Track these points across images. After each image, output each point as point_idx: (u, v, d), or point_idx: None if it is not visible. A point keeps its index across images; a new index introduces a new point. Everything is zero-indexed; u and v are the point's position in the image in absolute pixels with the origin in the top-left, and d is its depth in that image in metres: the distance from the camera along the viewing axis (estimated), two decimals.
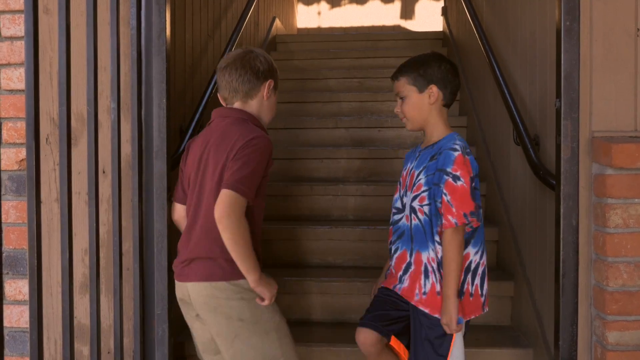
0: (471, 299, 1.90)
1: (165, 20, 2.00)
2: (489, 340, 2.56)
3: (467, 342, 2.00)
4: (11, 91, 2.06)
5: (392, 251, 2.05)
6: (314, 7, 8.39)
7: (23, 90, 2.04)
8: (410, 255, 1.97)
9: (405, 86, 1.98)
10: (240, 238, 1.77)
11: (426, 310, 1.91)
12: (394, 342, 2.08)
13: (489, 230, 3.05)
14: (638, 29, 1.92)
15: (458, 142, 1.89)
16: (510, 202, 2.92)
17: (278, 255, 3.15)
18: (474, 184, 1.86)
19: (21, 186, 2.05)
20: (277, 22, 5.58)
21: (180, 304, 2.02)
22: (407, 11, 8.34)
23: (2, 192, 2.06)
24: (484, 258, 1.94)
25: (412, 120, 1.99)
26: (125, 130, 2.02)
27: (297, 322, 2.78)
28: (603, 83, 1.92)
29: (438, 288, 1.89)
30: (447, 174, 1.83)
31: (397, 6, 8.27)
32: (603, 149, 1.87)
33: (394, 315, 2.04)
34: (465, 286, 1.90)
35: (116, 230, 1.98)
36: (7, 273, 2.07)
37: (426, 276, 1.93)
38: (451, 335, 1.90)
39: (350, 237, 3.12)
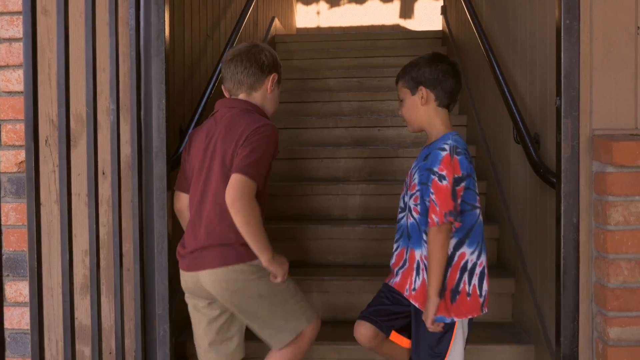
0: (468, 298, 1.90)
1: (164, 21, 2.00)
2: (490, 337, 2.56)
3: (468, 339, 2.01)
4: (10, 93, 2.06)
5: (394, 248, 2.08)
6: (313, 7, 8.39)
7: (22, 92, 2.04)
8: (407, 253, 2.00)
9: (402, 89, 2.03)
10: (252, 220, 1.84)
11: (416, 304, 1.94)
12: (394, 337, 2.09)
13: (490, 228, 3.05)
14: (638, 28, 1.92)
15: (449, 141, 1.89)
16: (510, 200, 2.92)
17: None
18: (463, 183, 1.86)
19: (21, 188, 2.05)
20: (276, 22, 5.58)
21: (188, 295, 2.04)
22: (407, 10, 8.34)
23: (2, 195, 2.06)
24: (483, 258, 1.94)
25: (410, 122, 2.04)
26: (124, 131, 2.02)
27: None
28: (603, 81, 1.92)
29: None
30: (434, 173, 1.85)
31: (396, 5, 8.27)
32: (603, 147, 1.87)
33: (394, 310, 2.05)
34: (462, 285, 1.90)
35: (116, 231, 1.98)
36: (8, 275, 2.07)
37: (417, 273, 1.95)
38: (450, 335, 1.90)
39: (350, 236, 3.12)
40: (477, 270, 1.92)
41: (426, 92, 1.97)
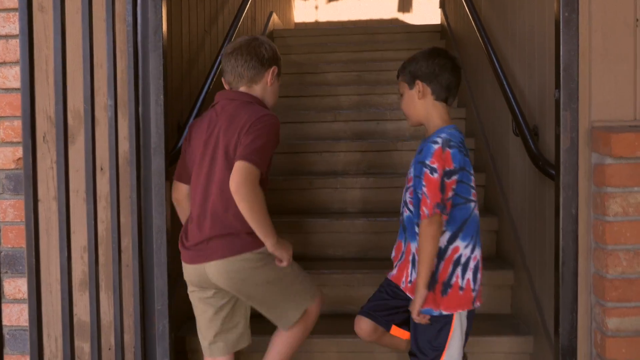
0: (461, 292, 1.90)
1: (162, 16, 1.99)
2: (489, 329, 2.56)
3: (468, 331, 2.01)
4: (7, 90, 2.06)
5: (396, 241, 2.10)
6: (311, 1, 8.38)
7: (19, 89, 2.04)
8: (404, 245, 2.02)
9: (401, 84, 2.04)
10: (257, 206, 1.87)
11: (412, 297, 1.95)
12: (395, 331, 2.09)
13: (489, 220, 3.05)
14: (637, 20, 1.91)
15: (443, 135, 1.90)
16: (509, 192, 2.92)
17: None
18: (455, 176, 1.85)
19: (19, 185, 2.05)
20: (274, 17, 5.56)
21: (192, 288, 2.06)
22: (405, 4, 8.32)
23: (0, 191, 2.06)
24: (477, 252, 1.93)
25: (408, 116, 2.05)
26: (122, 127, 2.02)
27: None
28: (602, 73, 1.92)
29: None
30: (426, 166, 1.86)
31: None
32: (602, 138, 1.86)
33: (394, 305, 2.06)
34: (454, 279, 1.90)
35: (115, 227, 1.98)
36: (6, 272, 2.07)
37: (413, 266, 1.96)
38: (449, 328, 1.91)
39: (349, 230, 3.12)
40: (472, 264, 1.91)
41: (423, 86, 1.97)
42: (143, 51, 2.01)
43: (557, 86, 1.95)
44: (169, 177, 2.17)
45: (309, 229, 3.13)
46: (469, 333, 1.98)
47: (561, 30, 1.91)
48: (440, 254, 1.89)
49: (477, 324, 2.55)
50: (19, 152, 2.05)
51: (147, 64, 2.01)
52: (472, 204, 1.92)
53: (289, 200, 3.41)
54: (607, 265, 1.83)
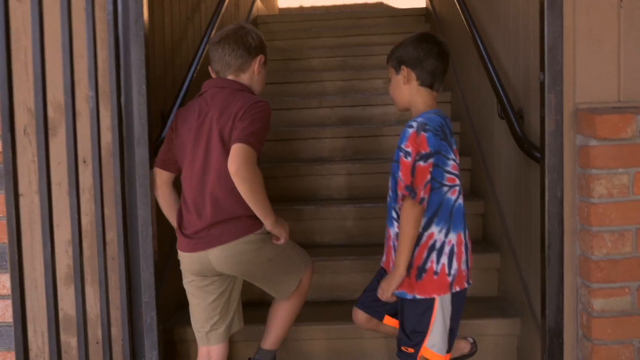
0: (435, 277, 1.89)
1: (142, 5, 1.96)
2: (476, 312, 2.58)
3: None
4: None
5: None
6: None
7: None
8: (386, 230, 2.03)
9: (390, 68, 2.05)
10: (256, 186, 1.91)
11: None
12: (388, 320, 2.10)
13: (475, 203, 3.06)
14: (621, 0, 1.91)
15: (419, 119, 1.89)
16: (495, 175, 2.93)
17: None
18: (431, 160, 1.84)
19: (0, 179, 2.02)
20: (258, 3, 5.51)
21: (191, 277, 2.07)
22: None
23: None
24: (452, 236, 1.91)
25: (395, 101, 2.06)
26: (105, 118, 1.99)
27: None
28: (586, 55, 1.92)
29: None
30: (401, 150, 1.87)
31: None
32: (587, 120, 1.87)
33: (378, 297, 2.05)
34: (429, 264, 1.89)
35: (99, 219, 1.96)
36: None
37: (394, 249, 1.97)
38: (430, 313, 1.91)
39: (337, 216, 3.12)
40: (446, 248, 1.90)
41: (408, 71, 1.98)
42: (124, 40, 1.98)
43: (542, 68, 1.95)
44: (154, 167, 2.15)
45: (296, 217, 3.12)
46: (459, 316, 1.98)
47: (545, 12, 1.90)
48: (417, 240, 1.90)
49: (465, 307, 2.56)
50: None
51: (128, 54, 1.98)
52: (446, 188, 1.90)
53: (275, 188, 3.40)
54: (592, 246, 1.84)
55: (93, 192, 1.99)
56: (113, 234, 2.01)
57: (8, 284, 2.03)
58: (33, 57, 1.96)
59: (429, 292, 1.90)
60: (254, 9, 5.28)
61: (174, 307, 2.73)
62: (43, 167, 1.90)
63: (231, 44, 2.06)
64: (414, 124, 1.87)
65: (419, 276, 1.90)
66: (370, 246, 3.04)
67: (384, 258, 2.08)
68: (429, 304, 1.91)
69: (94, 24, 1.95)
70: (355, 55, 4.49)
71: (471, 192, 3.32)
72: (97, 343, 2.01)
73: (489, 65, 2.70)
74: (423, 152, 1.83)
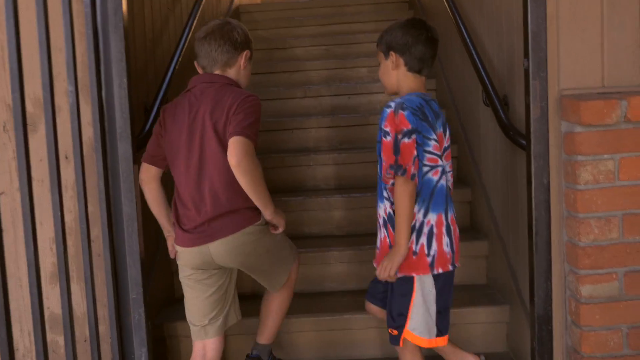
0: (414, 257, 1.90)
1: None
2: (465, 300, 2.59)
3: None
4: None
5: None
6: None
7: None
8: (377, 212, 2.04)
9: (379, 53, 2.07)
10: (257, 178, 1.96)
11: (375, 264, 1.99)
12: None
13: (462, 191, 3.06)
14: None
15: (398, 100, 1.92)
16: (481, 162, 2.94)
17: None
18: (414, 136, 1.85)
19: None
20: None
21: (189, 271, 2.07)
22: None
23: None
24: (431, 217, 1.91)
25: (384, 85, 2.08)
26: (86, 113, 1.95)
27: None
28: (570, 41, 1.92)
29: (388, 242, 1.94)
30: (381, 130, 1.91)
31: None
32: (572, 106, 1.87)
33: (383, 286, 2.05)
34: (408, 244, 1.89)
35: (83, 216, 1.93)
36: None
37: (379, 230, 2.00)
38: (410, 295, 1.91)
39: (324, 207, 3.11)
40: (425, 229, 1.90)
41: (396, 57, 1.99)
42: (103, 33, 1.95)
43: (526, 55, 1.94)
44: (137, 162, 2.12)
45: (283, 208, 3.06)
46: (447, 299, 1.97)
47: None
48: (390, 219, 1.92)
49: (453, 295, 2.59)
50: None
51: (108, 47, 1.95)
52: (426, 168, 1.90)
53: None
54: (579, 233, 1.85)
55: (76, 188, 1.96)
56: (98, 231, 1.98)
57: None
58: (9, 52, 1.91)
59: (407, 270, 1.91)
60: None
61: (162, 303, 2.71)
62: (23, 164, 1.86)
63: (217, 39, 2.07)
64: (392, 104, 1.91)
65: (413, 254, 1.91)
66: (359, 236, 3.03)
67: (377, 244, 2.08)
68: (410, 286, 1.92)
69: (71, 17, 1.90)
70: (339, 43, 4.46)
71: (458, 179, 3.32)
72: (85, 341, 1.99)
73: (473, 52, 2.69)
74: (405, 129, 1.86)
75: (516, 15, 2.28)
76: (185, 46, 2.96)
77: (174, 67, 2.77)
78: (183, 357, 2.55)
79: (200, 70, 2.13)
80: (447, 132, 2.02)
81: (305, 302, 2.68)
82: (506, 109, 2.42)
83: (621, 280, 1.85)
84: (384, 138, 1.89)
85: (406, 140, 1.84)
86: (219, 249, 2.01)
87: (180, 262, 2.11)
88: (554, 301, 1.93)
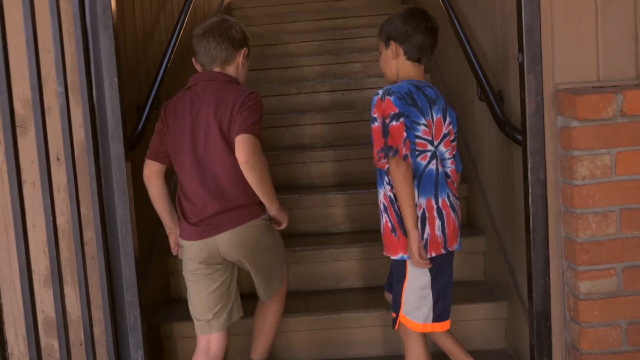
0: (406, 239, 1.92)
1: None
2: (463, 296, 2.58)
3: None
4: None
5: None
6: None
7: None
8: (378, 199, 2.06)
9: (380, 43, 2.09)
10: (265, 174, 2.00)
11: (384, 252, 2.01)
12: None
13: (459, 186, 3.04)
14: None
15: (387, 87, 1.94)
16: (477, 158, 2.92)
17: None
18: (402, 119, 1.87)
19: None
20: None
21: (195, 266, 2.08)
22: None
23: None
24: (422, 201, 1.92)
25: (385, 74, 2.10)
26: (77, 114, 1.93)
27: None
28: (564, 34, 1.90)
29: (390, 226, 1.96)
30: (370, 117, 1.95)
31: None
32: (567, 101, 1.85)
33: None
34: (401, 227, 1.92)
35: (75, 219, 1.91)
36: None
37: (381, 216, 2.02)
38: (404, 279, 1.94)
39: (319, 204, 3.10)
40: (418, 213, 1.91)
41: (396, 46, 2.01)
42: (93, 32, 1.92)
43: (520, 49, 1.93)
44: (135, 161, 2.10)
45: None
46: (445, 284, 1.97)
47: None
48: (391, 203, 1.95)
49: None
50: None
51: (98, 46, 1.93)
52: (415, 152, 1.92)
53: None
54: (577, 229, 1.84)
55: (68, 190, 1.93)
56: (91, 233, 1.96)
57: None
58: None
59: (402, 251, 1.93)
60: None
61: (158, 303, 2.69)
62: (12, 166, 1.84)
63: (216, 37, 2.09)
64: (380, 92, 1.94)
65: (394, 238, 1.95)
66: (356, 233, 3.02)
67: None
68: (403, 271, 1.95)
69: (59, 16, 1.88)
70: (332, 39, 4.43)
71: None
72: (81, 345, 1.97)
73: (467, 47, 2.67)
74: (392, 112, 1.88)
75: (510, 9, 2.26)
76: (177, 44, 2.94)
77: (166, 65, 2.75)
78: (180, 358, 2.53)
79: (198, 67, 2.15)
80: (449, 119, 2.03)
81: (303, 300, 2.67)
82: (501, 104, 2.40)
83: (619, 276, 1.84)
84: (372, 125, 1.93)
85: (394, 123, 1.87)
86: (225, 240, 2.03)
87: (185, 257, 2.11)
88: (552, 297, 1.93)
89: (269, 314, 2.26)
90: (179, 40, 2.97)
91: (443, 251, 1.94)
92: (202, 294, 2.10)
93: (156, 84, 2.63)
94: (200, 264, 2.08)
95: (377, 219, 2.88)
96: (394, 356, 2.48)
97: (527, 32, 1.90)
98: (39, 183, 1.93)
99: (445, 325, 1.98)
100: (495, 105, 2.36)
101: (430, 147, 1.94)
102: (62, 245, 1.96)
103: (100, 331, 1.97)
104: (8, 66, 1.77)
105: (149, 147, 2.14)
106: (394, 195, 1.92)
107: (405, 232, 1.91)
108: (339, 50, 4.36)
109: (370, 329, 2.53)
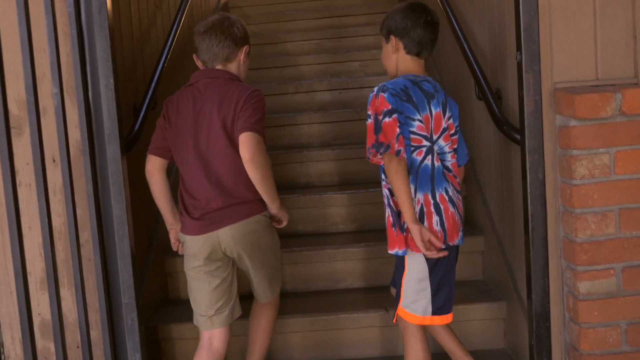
0: (403, 235, 1.94)
1: None
2: (462, 296, 2.56)
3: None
4: None
5: None
6: None
7: None
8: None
9: (382, 38, 2.11)
10: (268, 172, 2.03)
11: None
12: None
13: None
14: None
15: (382, 84, 1.95)
16: (475, 157, 2.91)
17: None
18: (395, 115, 1.88)
19: None
20: None
21: (197, 262, 2.08)
22: None
23: None
24: (419, 197, 1.94)
25: (386, 68, 2.11)
26: (72, 115, 1.93)
27: None
28: (563, 33, 1.89)
29: (391, 220, 1.97)
30: (367, 114, 1.96)
31: None
32: (566, 100, 1.84)
33: None
34: (401, 222, 1.93)
35: (71, 220, 1.90)
36: None
37: (385, 209, 2.03)
38: (402, 272, 1.96)
39: (318, 204, 3.08)
40: (416, 208, 1.92)
41: (396, 41, 2.02)
42: (88, 32, 1.92)
43: (519, 48, 1.92)
44: (132, 162, 2.09)
45: None
46: (444, 277, 1.97)
47: None
48: (387, 198, 1.98)
49: None
50: None
51: (93, 46, 1.92)
52: (411, 149, 1.93)
53: None
54: (576, 229, 1.83)
55: (64, 192, 1.92)
56: (88, 235, 1.95)
57: None
58: None
59: (400, 245, 1.93)
60: None
61: (156, 304, 2.68)
62: (6, 167, 1.83)
63: (218, 34, 2.10)
64: (375, 89, 1.95)
65: (393, 232, 1.96)
66: (354, 233, 3.01)
67: None
68: (402, 265, 1.97)
69: (54, 16, 1.87)
70: (330, 37, 4.42)
71: None
72: (78, 347, 1.96)
73: (465, 45, 2.66)
74: (384, 109, 1.89)
75: (508, 6, 2.25)
76: (174, 43, 2.92)
77: (163, 65, 2.73)
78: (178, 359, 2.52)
79: (199, 64, 2.17)
80: (449, 112, 2.03)
81: (301, 301, 2.66)
82: (499, 103, 2.39)
83: (619, 276, 1.83)
84: (367, 122, 1.94)
85: (387, 119, 1.88)
86: (227, 235, 2.04)
87: (187, 253, 2.11)
88: (551, 298, 1.92)
89: (263, 319, 2.26)
90: (175, 39, 2.95)
91: (443, 246, 1.95)
92: (204, 290, 2.10)
93: (153, 84, 2.62)
94: (202, 261, 2.08)
95: (376, 219, 2.89)
96: (393, 357, 2.47)
97: (525, 31, 1.89)
98: (35, 185, 1.92)
99: (445, 318, 1.99)
100: (493, 104, 2.35)
101: (425, 143, 1.95)
102: (59, 247, 1.96)
103: (97, 334, 1.96)
104: (2, 67, 1.75)
105: (151, 142, 2.15)
106: (389, 191, 1.96)
107: (401, 228, 1.92)
108: (336, 49, 4.34)
109: (368, 330, 2.52)
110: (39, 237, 1.94)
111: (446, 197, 1.96)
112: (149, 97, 2.55)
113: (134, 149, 2.27)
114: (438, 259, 1.94)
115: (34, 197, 1.93)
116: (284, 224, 2.21)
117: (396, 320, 2.02)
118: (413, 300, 1.95)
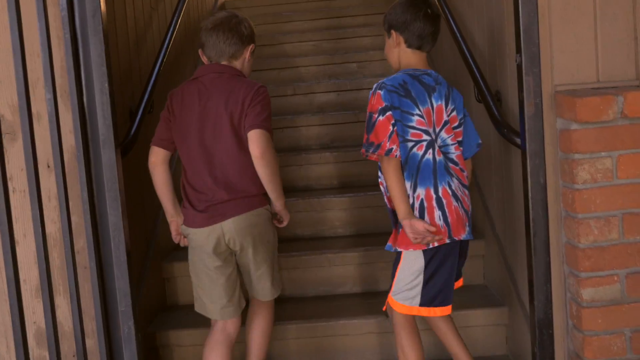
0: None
1: None
2: (463, 302, 2.53)
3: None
4: None
5: None
6: None
7: None
8: None
9: (384, 32, 2.13)
10: (276, 169, 2.08)
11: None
12: None
13: None
14: None
15: (380, 81, 1.97)
16: (475, 160, 2.87)
17: None
18: (389, 113, 1.90)
19: None
20: None
21: (205, 257, 2.09)
22: None
23: None
24: (420, 192, 1.97)
25: (389, 62, 2.14)
26: (67, 121, 1.90)
27: None
28: (563, 35, 1.87)
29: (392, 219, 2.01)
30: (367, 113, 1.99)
31: None
32: (567, 103, 1.82)
33: None
34: (407, 210, 1.94)
35: (66, 227, 1.87)
36: None
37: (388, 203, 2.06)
38: (397, 264, 1.99)
39: (316, 208, 3.06)
40: (416, 204, 1.94)
41: (397, 35, 2.04)
42: (82, 36, 1.89)
43: (518, 50, 1.90)
44: (127, 166, 2.07)
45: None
46: (444, 269, 1.98)
47: None
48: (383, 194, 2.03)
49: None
50: None
51: (88, 51, 1.89)
52: (411, 144, 1.95)
53: None
54: (578, 234, 1.80)
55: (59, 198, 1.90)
56: (83, 242, 1.92)
57: None
58: None
59: (404, 245, 1.95)
60: None
61: (154, 311, 2.65)
62: None
63: (225, 32, 2.12)
64: (374, 86, 1.97)
65: (398, 230, 1.98)
66: (353, 237, 2.99)
67: None
68: (399, 256, 1.99)
69: (46, 21, 1.84)
70: (328, 39, 4.41)
71: None
72: (74, 356, 1.93)
73: (464, 48, 2.64)
74: (379, 107, 1.92)
75: (507, 7, 2.23)
76: (170, 46, 2.90)
77: (159, 68, 2.71)
78: None
79: (205, 60, 2.19)
80: (452, 105, 2.05)
81: (300, 307, 2.64)
82: (499, 105, 2.37)
83: (623, 282, 1.80)
84: (365, 121, 1.97)
85: (381, 117, 1.91)
86: (230, 226, 2.06)
87: (193, 246, 2.13)
88: (554, 304, 1.89)
89: (262, 322, 2.25)
90: (172, 42, 2.93)
91: (447, 240, 1.95)
92: (212, 284, 2.13)
93: (149, 87, 2.60)
94: (208, 255, 2.09)
95: (375, 222, 2.87)
96: None
97: (524, 33, 1.86)
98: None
99: (432, 311, 1.99)
100: (493, 106, 2.32)
101: (426, 137, 1.96)
102: (54, 254, 1.93)
103: (94, 342, 1.93)
104: None
105: (155, 134, 2.16)
106: (384, 188, 1.99)
107: (394, 224, 1.96)
108: (334, 50, 4.33)
109: (367, 336, 2.49)
110: (34, 244, 1.91)
111: (449, 191, 1.97)
112: (145, 100, 2.54)
113: (130, 153, 2.24)
114: (438, 254, 1.94)
115: (28, 204, 1.90)
116: (285, 223, 2.23)
117: (386, 308, 2.06)
118: (403, 290, 1.97)
